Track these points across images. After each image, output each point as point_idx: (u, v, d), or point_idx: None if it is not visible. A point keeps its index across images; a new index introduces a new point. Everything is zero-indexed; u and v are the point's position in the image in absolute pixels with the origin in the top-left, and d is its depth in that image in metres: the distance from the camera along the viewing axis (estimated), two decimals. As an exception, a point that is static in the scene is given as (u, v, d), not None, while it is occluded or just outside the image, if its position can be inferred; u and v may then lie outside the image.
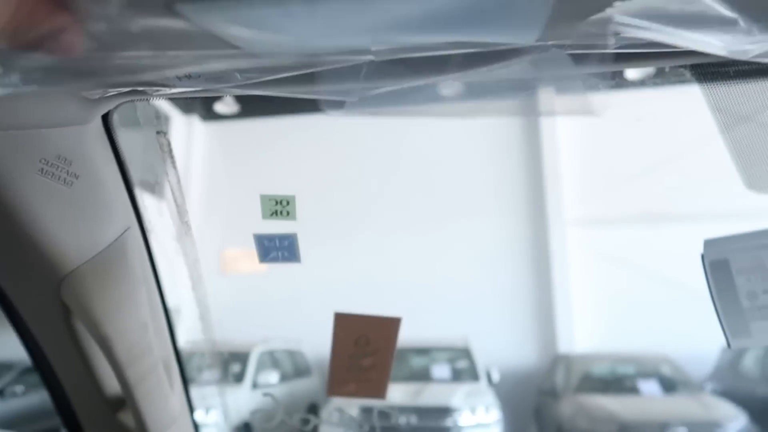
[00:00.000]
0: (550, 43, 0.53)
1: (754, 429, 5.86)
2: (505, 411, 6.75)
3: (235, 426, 6.26)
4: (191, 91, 0.66)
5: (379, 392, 1.08)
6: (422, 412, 6.11)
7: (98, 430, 0.85)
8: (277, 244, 0.86)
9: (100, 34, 0.41)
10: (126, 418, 0.79)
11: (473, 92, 0.76)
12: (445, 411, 6.14)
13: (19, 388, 6.67)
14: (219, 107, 10.48)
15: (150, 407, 0.77)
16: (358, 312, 0.99)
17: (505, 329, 9.92)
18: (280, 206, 0.81)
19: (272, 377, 7.27)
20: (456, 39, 0.46)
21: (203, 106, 11.45)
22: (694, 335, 8.73)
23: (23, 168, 0.57)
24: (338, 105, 0.69)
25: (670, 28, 0.45)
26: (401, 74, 0.61)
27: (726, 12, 0.42)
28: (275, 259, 0.87)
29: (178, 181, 0.79)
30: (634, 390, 6.83)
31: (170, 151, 0.79)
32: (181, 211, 0.89)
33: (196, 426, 0.96)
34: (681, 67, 0.73)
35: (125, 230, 0.71)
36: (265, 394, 6.33)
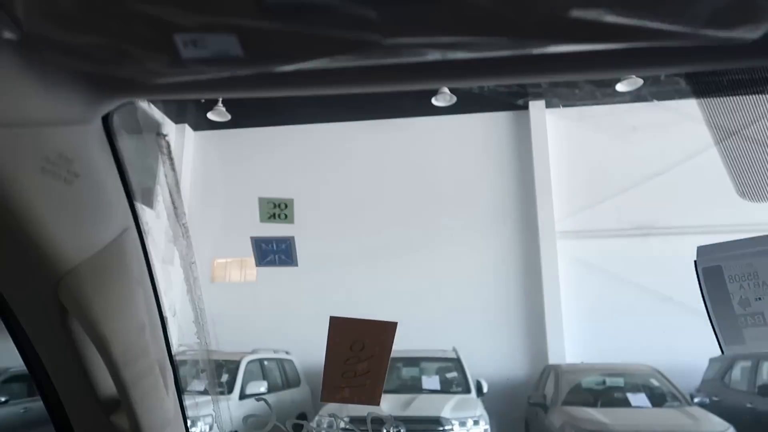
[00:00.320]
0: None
1: (742, 441, 5.89)
2: (494, 422, 6.74)
3: (224, 436, 6.19)
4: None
5: (373, 398, 1.07)
6: (412, 422, 6.08)
7: (90, 429, 0.84)
8: (275, 247, 0.86)
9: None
10: (119, 420, 0.78)
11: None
12: (434, 422, 6.11)
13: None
14: (211, 116, 10.46)
15: (145, 409, 0.76)
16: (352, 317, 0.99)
17: (496, 341, 9.92)
18: (278, 209, 0.81)
19: (261, 387, 7.21)
20: None
21: (195, 115, 11.43)
22: (683, 348, 8.79)
23: (26, 165, 0.57)
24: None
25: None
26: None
27: None
28: (272, 263, 0.87)
29: (177, 183, 0.79)
30: (623, 402, 6.84)
31: (170, 152, 0.79)
32: (178, 213, 0.89)
33: (188, 429, 0.95)
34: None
35: (123, 231, 0.71)
36: (258, 399, 6.28)
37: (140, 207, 0.82)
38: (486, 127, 11.41)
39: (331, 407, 6.69)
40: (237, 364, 7.24)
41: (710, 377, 8.32)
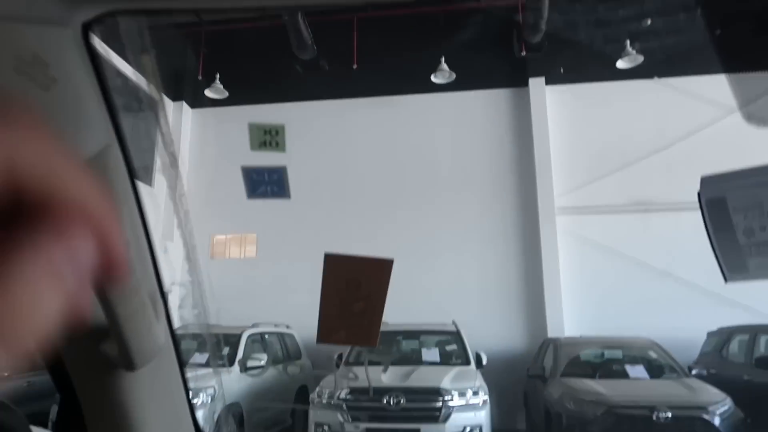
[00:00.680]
0: None
1: (738, 412, 5.93)
2: (493, 394, 6.79)
3: (225, 407, 6.24)
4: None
5: (370, 339, 1.06)
6: (412, 392, 6.13)
7: (79, 360, 0.82)
8: (266, 177, 0.83)
9: None
10: (109, 348, 0.77)
11: None
12: (434, 392, 6.16)
13: None
14: (208, 93, 10.37)
15: (135, 336, 0.74)
16: (348, 253, 0.97)
17: (495, 314, 9.97)
18: (269, 136, 0.79)
19: (262, 360, 7.25)
20: None
21: (192, 93, 11.33)
22: (681, 322, 8.84)
23: None
24: None
25: None
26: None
27: None
28: (264, 195, 0.84)
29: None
30: (621, 374, 6.89)
31: (155, 74, 0.76)
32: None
33: (180, 362, 0.94)
34: None
35: (105, 147, 0.68)
36: (256, 372, 6.31)
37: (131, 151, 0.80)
38: (485, 104, 11.33)
39: (331, 380, 6.76)
40: (238, 337, 7.28)
41: (708, 351, 8.37)
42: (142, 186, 0.83)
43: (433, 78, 10.10)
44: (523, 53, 9.99)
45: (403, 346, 7.70)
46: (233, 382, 6.63)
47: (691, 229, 9.93)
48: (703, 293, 9.03)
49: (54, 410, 3.79)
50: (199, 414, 5.20)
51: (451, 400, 6.12)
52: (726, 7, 7.75)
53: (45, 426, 0.98)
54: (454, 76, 9.99)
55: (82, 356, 0.82)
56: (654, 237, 10.02)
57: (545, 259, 10.13)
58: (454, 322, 7.99)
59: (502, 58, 10.72)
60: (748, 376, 7.13)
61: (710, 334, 8.45)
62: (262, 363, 7.15)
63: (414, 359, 7.31)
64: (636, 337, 7.82)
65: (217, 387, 6.13)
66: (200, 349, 6.58)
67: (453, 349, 7.60)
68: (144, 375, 0.84)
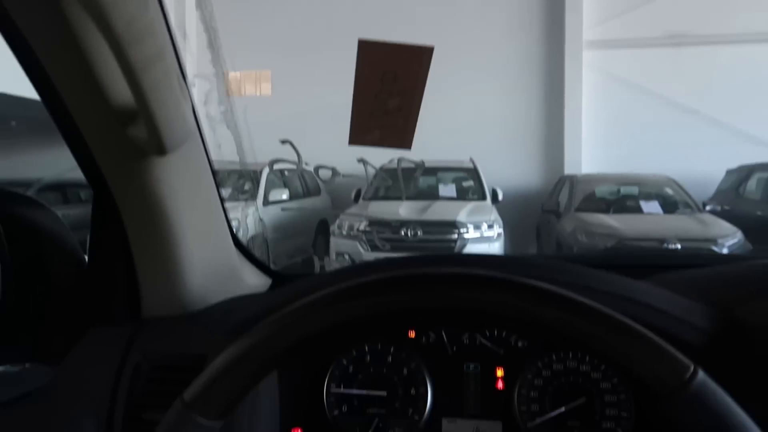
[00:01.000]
0: None
1: (747, 245, 6.08)
2: (507, 228, 6.99)
3: (250, 237, 6.54)
4: None
5: (405, 140, 1.01)
6: (428, 225, 6.34)
7: (106, 144, 0.80)
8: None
9: None
10: (137, 131, 0.73)
11: None
12: (450, 225, 6.35)
13: None
14: None
15: (165, 117, 0.71)
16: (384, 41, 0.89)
17: (513, 151, 9.96)
18: None
19: (283, 194, 7.45)
20: None
21: None
22: (702, 160, 8.78)
23: None
24: None
25: None
26: None
27: None
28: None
29: None
30: (635, 209, 6.99)
31: None
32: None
33: (205, 145, 0.92)
34: None
35: None
36: (283, 209, 6.49)
37: None
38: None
39: (351, 213, 6.98)
40: (258, 173, 7.41)
41: (725, 188, 8.40)
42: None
43: None
44: None
45: (421, 183, 7.82)
46: (256, 215, 6.88)
47: (724, 63, 9.51)
48: (729, 131, 8.85)
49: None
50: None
51: (467, 232, 6.33)
52: None
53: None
54: None
55: (110, 143, 0.79)
56: (685, 72, 9.57)
57: (568, 95, 9.82)
58: (471, 159, 8.01)
59: None
60: (761, 212, 7.22)
61: (729, 172, 8.41)
62: (284, 197, 7.35)
63: (431, 195, 7.45)
64: (653, 173, 7.81)
65: (241, 218, 6.38)
66: (222, 184, 6.74)
67: (470, 185, 7.71)
68: (175, 160, 0.82)
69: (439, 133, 9.20)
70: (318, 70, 9.99)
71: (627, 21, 9.80)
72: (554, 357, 0.82)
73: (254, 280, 1.14)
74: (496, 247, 6.43)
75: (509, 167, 9.58)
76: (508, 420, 0.82)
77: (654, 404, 0.75)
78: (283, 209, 7.48)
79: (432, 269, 0.47)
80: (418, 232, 6.25)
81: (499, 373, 0.84)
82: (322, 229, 8.16)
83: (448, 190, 7.55)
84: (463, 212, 6.57)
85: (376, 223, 6.39)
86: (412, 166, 7.39)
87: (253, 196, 7.11)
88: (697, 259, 1.10)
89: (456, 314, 0.86)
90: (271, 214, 7.15)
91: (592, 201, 7.33)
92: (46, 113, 0.78)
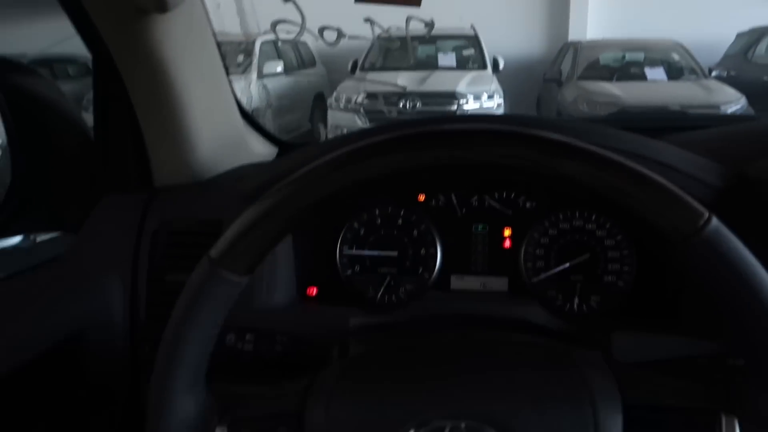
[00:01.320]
0: None
1: (750, 110, 6.01)
2: (508, 97, 6.85)
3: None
4: None
5: (413, -2, 0.96)
6: (427, 96, 6.21)
7: (106, 6, 0.76)
8: None
9: None
10: None
11: None
12: (449, 95, 6.23)
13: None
14: None
15: None
16: None
17: (516, 18, 9.50)
18: None
19: (278, 67, 7.21)
20: None
21: None
22: (712, 23, 8.40)
23: None
24: None
25: None
26: None
27: None
28: None
29: None
30: (640, 76, 6.82)
31: None
32: None
33: (206, 11, 0.88)
34: None
35: None
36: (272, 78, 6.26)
37: None
38: None
39: (348, 85, 6.78)
40: (251, 45, 7.11)
41: (733, 52, 8.12)
42: None
43: None
44: None
45: (419, 52, 7.53)
46: (251, 88, 6.71)
47: None
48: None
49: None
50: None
51: (467, 103, 6.22)
52: None
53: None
54: None
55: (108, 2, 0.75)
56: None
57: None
58: (472, 26, 7.65)
59: None
60: (768, 77, 7.05)
61: (739, 35, 8.09)
62: (279, 70, 7.12)
63: (430, 65, 7.21)
64: (659, 38, 7.52)
65: (237, 91, 6.23)
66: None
67: (470, 53, 7.44)
68: (175, 21, 0.79)
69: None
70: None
71: None
72: (561, 216, 0.85)
73: (261, 149, 1.14)
74: (495, 119, 6.35)
75: (511, 34, 9.17)
76: (514, 276, 0.86)
77: (659, 256, 0.79)
78: (278, 80, 7.26)
79: (459, 125, 0.46)
80: (417, 104, 6.14)
81: (507, 233, 0.87)
82: (319, 103, 8.00)
83: (447, 59, 7.29)
84: (462, 82, 6.41)
85: (373, 95, 6.25)
86: (422, 26, 6.99)
87: (247, 69, 6.88)
88: (705, 120, 1.10)
89: (466, 177, 0.87)
90: (267, 87, 6.98)
91: (596, 68, 7.13)
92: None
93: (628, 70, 7.02)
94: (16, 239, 1.04)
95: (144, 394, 0.89)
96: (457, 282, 0.87)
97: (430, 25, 6.88)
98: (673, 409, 0.44)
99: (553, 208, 0.85)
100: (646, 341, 0.71)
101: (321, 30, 7.85)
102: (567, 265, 0.83)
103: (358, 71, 7.10)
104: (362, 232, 0.89)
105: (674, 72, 6.90)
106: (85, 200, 0.95)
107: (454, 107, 6.19)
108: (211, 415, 0.48)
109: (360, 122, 6.24)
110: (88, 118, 0.99)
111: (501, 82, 6.84)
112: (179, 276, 0.84)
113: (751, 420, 0.42)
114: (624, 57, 7.38)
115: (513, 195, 0.87)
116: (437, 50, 7.54)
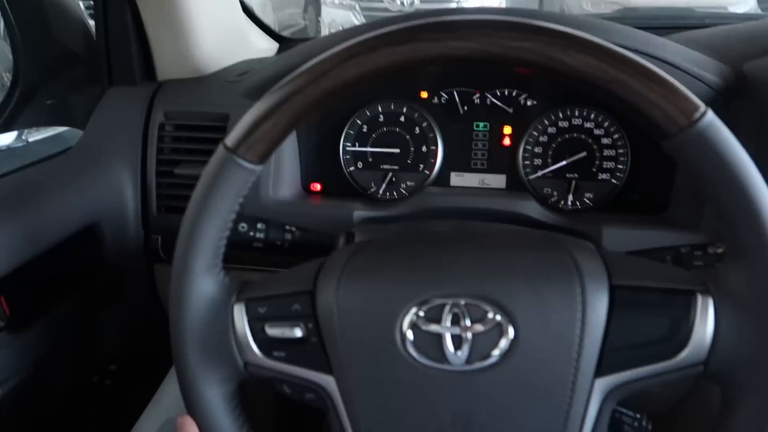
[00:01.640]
0: None
1: (758, 11, 5.81)
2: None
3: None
4: None
5: None
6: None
7: None
8: None
9: None
10: None
11: None
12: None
13: None
14: None
15: None
16: None
17: None
18: None
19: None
20: None
21: None
22: None
23: None
24: None
25: None
26: None
27: None
28: None
29: None
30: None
31: None
32: None
33: None
34: None
35: None
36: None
37: None
38: None
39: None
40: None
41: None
42: None
43: None
44: None
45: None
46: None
47: None
48: None
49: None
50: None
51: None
52: None
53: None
54: None
55: None
56: None
57: None
58: None
59: None
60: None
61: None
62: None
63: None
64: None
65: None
66: None
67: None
68: None
69: None
70: None
71: None
72: (560, 114, 0.86)
73: (263, 44, 1.13)
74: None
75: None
76: (512, 173, 0.89)
77: (653, 154, 0.81)
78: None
79: (465, 16, 0.46)
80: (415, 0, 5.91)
81: (507, 131, 0.89)
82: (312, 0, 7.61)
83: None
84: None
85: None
86: None
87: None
88: (711, 18, 1.08)
89: (469, 73, 0.87)
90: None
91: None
92: None
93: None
94: (10, 138, 1.04)
95: (156, 284, 0.94)
96: (456, 179, 0.90)
97: None
98: (654, 289, 0.47)
99: (553, 106, 0.86)
100: (634, 233, 0.76)
101: None
102: (564, 162, 0.86)
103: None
104: (365, 129, 0.90)
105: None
106: (91, 93, 0.95)
107: (453, 4, 5.94)
108: (229, 294, 0.51)
109: (355, 20, 6.01)
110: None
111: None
112: (188, 170, 0.87)
113: (723, 296, 0.45)
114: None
115: (515, 93, 0.88)
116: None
